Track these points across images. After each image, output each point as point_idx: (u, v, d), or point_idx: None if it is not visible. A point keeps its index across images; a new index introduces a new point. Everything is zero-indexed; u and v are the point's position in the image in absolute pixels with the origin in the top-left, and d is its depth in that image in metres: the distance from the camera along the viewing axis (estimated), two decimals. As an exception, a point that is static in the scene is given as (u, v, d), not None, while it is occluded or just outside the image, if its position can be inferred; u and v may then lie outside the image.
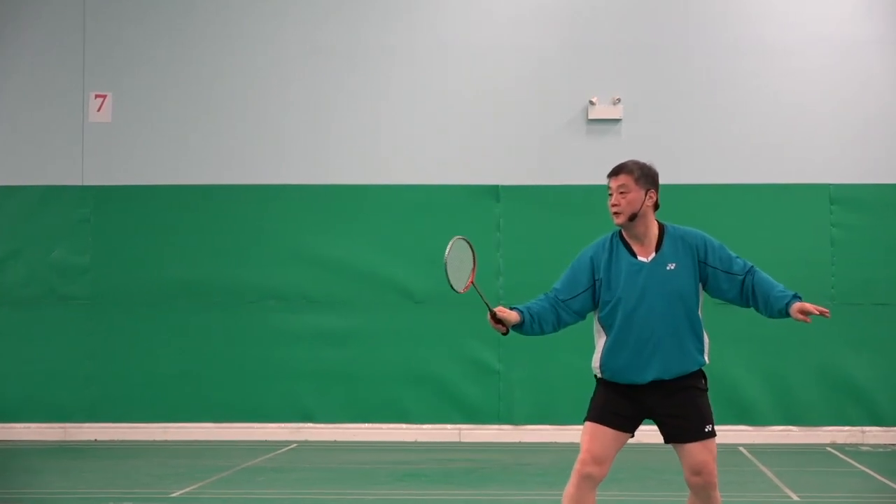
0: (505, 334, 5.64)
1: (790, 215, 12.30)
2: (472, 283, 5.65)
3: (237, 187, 12.59)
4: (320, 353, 12.39)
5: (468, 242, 5.71)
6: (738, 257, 5.68)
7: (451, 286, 5.60)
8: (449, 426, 12.39)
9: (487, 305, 5.57)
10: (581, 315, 5.72)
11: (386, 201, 12.50)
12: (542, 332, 5.72)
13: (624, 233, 5.69)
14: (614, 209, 5.60)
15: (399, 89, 12.62)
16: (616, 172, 5.64)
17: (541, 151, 12.51)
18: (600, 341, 5.67)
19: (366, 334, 12.39)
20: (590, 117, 12.42)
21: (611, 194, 5.63)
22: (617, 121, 12.42)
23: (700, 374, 5.65)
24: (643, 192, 5.60)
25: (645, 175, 5.63)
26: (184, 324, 12.48)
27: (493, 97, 12.57)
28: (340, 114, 12.58)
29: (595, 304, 5.68)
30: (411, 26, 12.64)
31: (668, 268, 5.59)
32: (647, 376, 5.55)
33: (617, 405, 5.59)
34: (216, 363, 12.45)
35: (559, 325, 5.70)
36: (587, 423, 5.60)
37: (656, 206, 5.67)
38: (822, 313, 5.46)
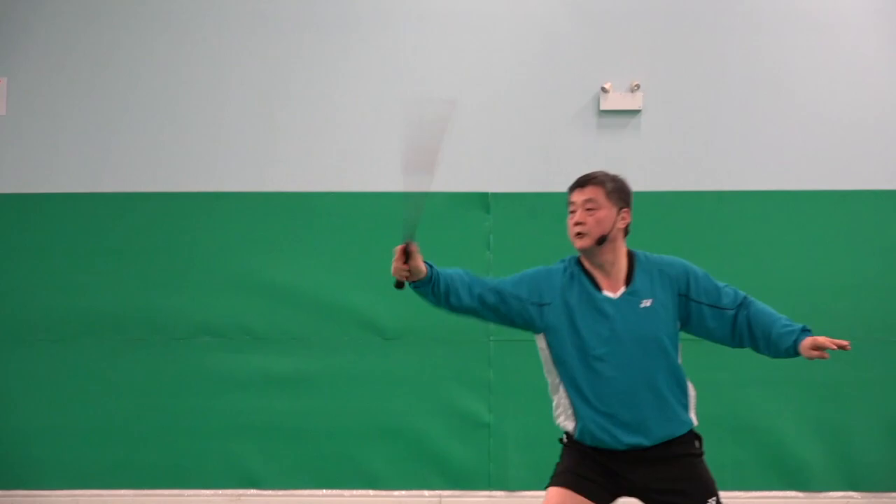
0: (399, 286, 5.24)
1: (856, 229, 11.22)
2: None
3: (162, 195, 11.54)
4: (267, 403, 11.34)
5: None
6: (726, 286, 5.43)
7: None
8: (427, 493, 11.35)
9: (412, 232, 5.02)
10: (486, 308, 5.38)
11: (349, 213, 11.48)
12: (440, 300, 5.30)
13: (585, 261, 5.46)
14: (578, 229, 5.41)
15: (366, 71, 11.59)
16: (582, 184, 5.49)
17: (540, 151, 11.50)
18: (560, 394, 5.38)
19: (324, 379, 11.36)
20: (601, 108, 11.43)
21: (573, 211, 5.45)
22: (635, 112, 11.46)
23: (692, 437, 5.38)
24: (615, 211, 5.41)
25: (619, 190, 5.45)
26: (96, 366, 11.36)
27: (481, 83, 11.50)
28: (291, 102, 11.60)
29: (516, 323, 5.42)
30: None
31: (641, 305, 5.35)
32: (624, 440, 5.25)
33: (589, 470, 5.30)
34: (137, 416, 11.36)
35: (460, 300, 5.36)
36: (549, 490, 5.28)
37: (627, 231, 5.47)
38: (840, 347, 5.10)
